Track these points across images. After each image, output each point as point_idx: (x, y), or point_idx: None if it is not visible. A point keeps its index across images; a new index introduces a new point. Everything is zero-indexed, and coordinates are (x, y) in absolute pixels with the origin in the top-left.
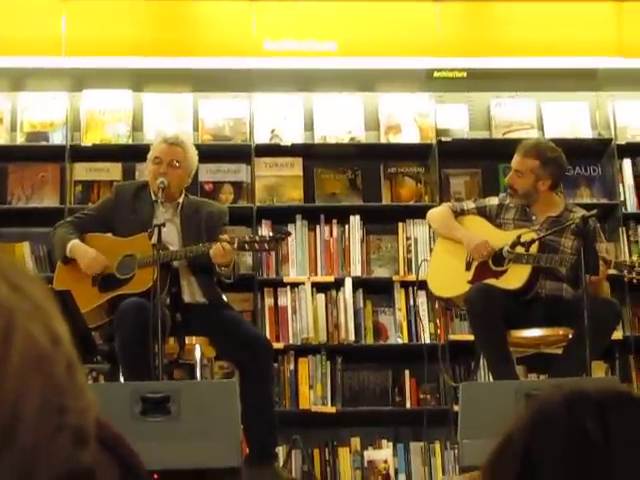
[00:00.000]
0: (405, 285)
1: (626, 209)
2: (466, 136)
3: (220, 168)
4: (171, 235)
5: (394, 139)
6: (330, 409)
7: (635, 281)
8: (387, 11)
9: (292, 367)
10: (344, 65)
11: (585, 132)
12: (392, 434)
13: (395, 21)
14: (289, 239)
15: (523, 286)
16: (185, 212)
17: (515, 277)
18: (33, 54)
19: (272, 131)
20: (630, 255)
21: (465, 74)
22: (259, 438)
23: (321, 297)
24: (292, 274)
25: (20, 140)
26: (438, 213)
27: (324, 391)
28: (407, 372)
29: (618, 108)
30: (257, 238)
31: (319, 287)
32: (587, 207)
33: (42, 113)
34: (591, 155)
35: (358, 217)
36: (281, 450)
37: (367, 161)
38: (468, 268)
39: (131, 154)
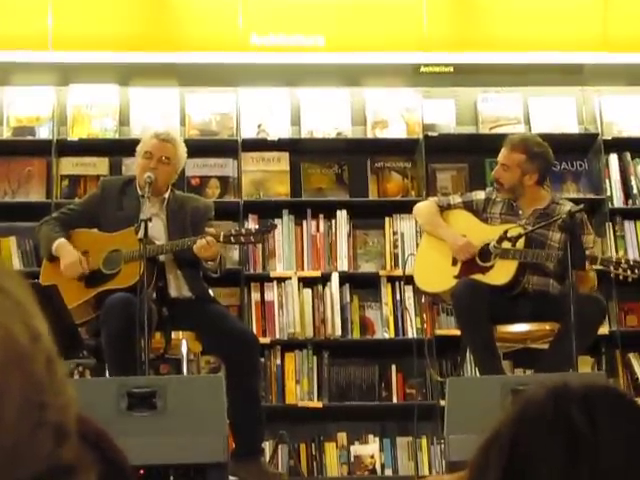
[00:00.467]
0: (392, 280)
1: (612, 204)
2: (453, 131)
3: (207, 163)
4: (157, 230)
5: (381, 134)
6: (317, 404)
7: (621, 277)
8: (374, 6)
9: (279, 362)
10: (331, 60)
11: (571, 127)
12: (379, 429)
13: (382, 16)
14: (276, 234)
15: (510, 281)
16: (171, 207)
17: (502, 272)
18: (19, 48)
19: (259, 126)
20: (616, 250)
21: (452, 69)
22: (245, 433)
23: (308, 292)
24: (279, 269)
25: (6, 134)
26: (424, 208)
27: (310, 386)
28: (394, 367)
29: (604, 103)
30: (243, 231)
31: (306, 282)
32: (574, 202)
33: (28, 107)
34: (577, 150)
35: (345, 212)
36: (267, 445)
37: (354, 156)
38: (454, 263)
39: (118, 149)
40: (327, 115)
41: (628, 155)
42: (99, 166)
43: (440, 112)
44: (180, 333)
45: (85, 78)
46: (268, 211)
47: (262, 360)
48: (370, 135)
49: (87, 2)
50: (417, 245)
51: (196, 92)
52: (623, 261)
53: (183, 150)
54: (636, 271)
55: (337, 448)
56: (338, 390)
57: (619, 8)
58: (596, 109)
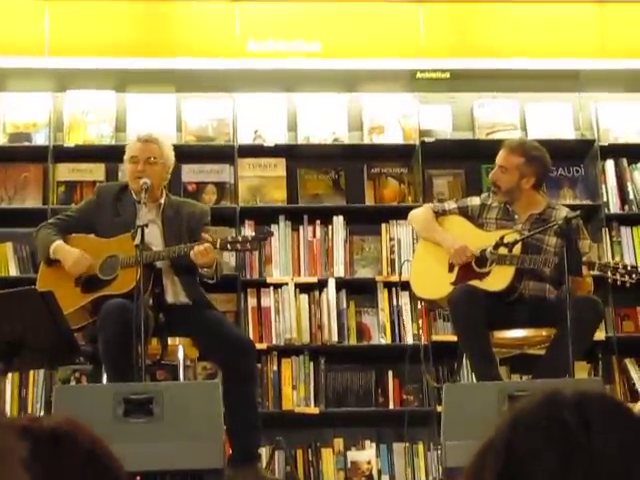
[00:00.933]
0: (388, 286)
1: (609, 210)
2: (449, 137)
3: (203, 169)
4: (154, 236)
5: (377, 140)
6: (313, 410)
7: (619, 282)
8: (371, 12)
9: (275, 368)
10: (327, 66)
11: (568, 133)
12: (375, 435)
13: (379, 22)
14: (272, 240)
15: (507, 287)
16: (167, 213)
17: (499, 278)
18: (16, 54)
19: (255, 132)
20: (613, 256)
21: (448, 75)
22: (242, 439)
23: (304, 298)
24: (275, 275)
25: (3, 141)
26: (419, 214)
27: (307, 392)
28: (390, 373)
29: (601, 109)
30: (239, 238)
31: (302, 288)
32: (570, 208)
33: (25, 114)
34: (574, 156)
35: (341, 218)
36: (264, 451)
37: (350, 162)
38: (451, 270)
39: (114, 155)
40: (324, 121)
41: (624, 161)
42: (95, 172)
43: (436, 118)
44: (177, 339)
45: (82, 84)
46: (265, 217)
47: (259, 366)
48: (367, 141)
49: (84, 8)
50: (414, 251)
51: (192, 98)
52: (620, 266)
53: (169, 148)
54: (633, 276)
55: (334, 454)
56: (335, 396)
57: (615, 15)
58: (592, 115)
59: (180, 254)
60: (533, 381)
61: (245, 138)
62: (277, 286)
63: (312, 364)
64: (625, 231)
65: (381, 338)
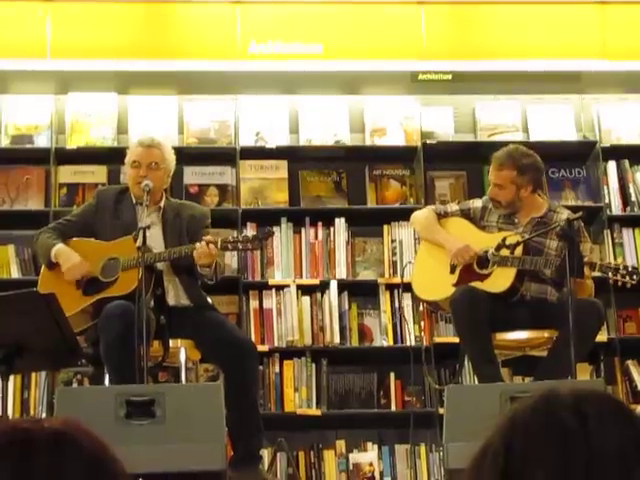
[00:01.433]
0: (390, 287)
1: (611, 211)
2: (451, 139)
3: (205, 171)
4: (154, 238)
5: (379, 141)
6: (315, 412)
7: (620, 283)
8: (373, 14)
9: (277, 370)
10: (329, 68)
11: (570, 135)
12: (377, 437)
13: (380, 24)
14: (274, 242)
15: (508, 289)
16: (167, 215)
17: (500, 280)
18: (18, 57)
19: (257, 134)
20: (615, 257)
21: (450, 77)
22: (244, 441)
23: (306, 300)
24: (277, 277)
25: (5, 143)
26: (421, 216)
27: (309, 394)
28: (392, 374)
29: (602, 111)
30: (240, 238)
31: (304, 290)
32: (572, 210)
33: (27, 116)
34: (576, 158)
35: (343, 219)
36: (266, 453)
37: (352, 163)
38: (452, 271)
39: (116, 157)
40: (325, 123)
41: (626, 162)
42: (97, 174)
43: (438, 120)
44: (179, 341)
45: (83, 86)
46: (266, 219)
47: (261, 368)
48: (369, 143)
49: (86, 11)
50: (415, 253)
51: (194, 100)
52: (621, 267)
53: (171, 153)
54: (634, 277)
55: (336, 456)
56: (337, 398)
57: (617, 16)
58: (594, 117)
59: (181, 255)
60: (535, 383)
61: (247, 140)
62: (279, 288)
63: (314, 366)
64: (627, 232)
65: (383, 340)
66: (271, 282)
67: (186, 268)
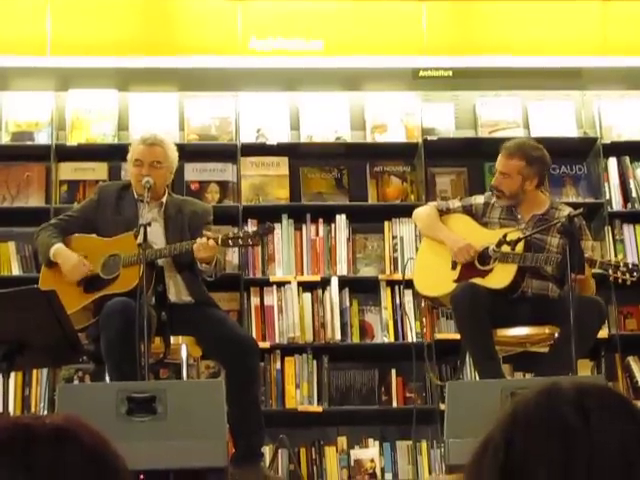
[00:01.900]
0: (391, 284)
1: (612, 208)
2: (452, 135)
3: (206, 167)
4: (156, 234)
5: (380, 138)
6: (316, 408)
7: (620, 280)
8: (373, 10)
9: (278, 366)
10: (330, 64)
11: (570, 131)
12: (378, 433)
13: (381, 20)
14: (275, 238)
15: (509, 285)
16: (169, 211)
17: (501, 276)
18: (18, 53)
19: (258, 130)
20: (615, 254)
21: (451, 73)
22: (245, 438)
23: (307, 296)
24: (278, 273)
25: (5, 140)
26: (423, 213)
27: (310, 390)
28: (393, 371)
29: (603, 107)
30: (240, 234)
31: (305, 286)
32: (573, 206)
33: (27, 113)
34: (577, 154)
35: (344, 216)
36: (267, 449)
37: (353, 160)
38: (454, 267)
39: (117, 154)
40: (326, 119)
41: (627, 159)
42: (98, 171)
43: (439, 116)
44: (180, 338)
45: (84, 83)
46: (267, 215)
47: (262, 365)
48: (369, 139)
49: (86, 7)
50: (416, 249)
51: (195, 96)
52: (622, 264)
53: (173, 150)
54: (635, 274)
55: (337, 452)
56: (338, 394)
57: (618, 12)
58: (595, 113)
59: (182, 251)
60: (536, 379)
61: (248, 137)
62: (280, 285)
63: (315, 362)
64: (628, 229)
65: (384, 336)
66: (272, 279)
67: (187, 264)
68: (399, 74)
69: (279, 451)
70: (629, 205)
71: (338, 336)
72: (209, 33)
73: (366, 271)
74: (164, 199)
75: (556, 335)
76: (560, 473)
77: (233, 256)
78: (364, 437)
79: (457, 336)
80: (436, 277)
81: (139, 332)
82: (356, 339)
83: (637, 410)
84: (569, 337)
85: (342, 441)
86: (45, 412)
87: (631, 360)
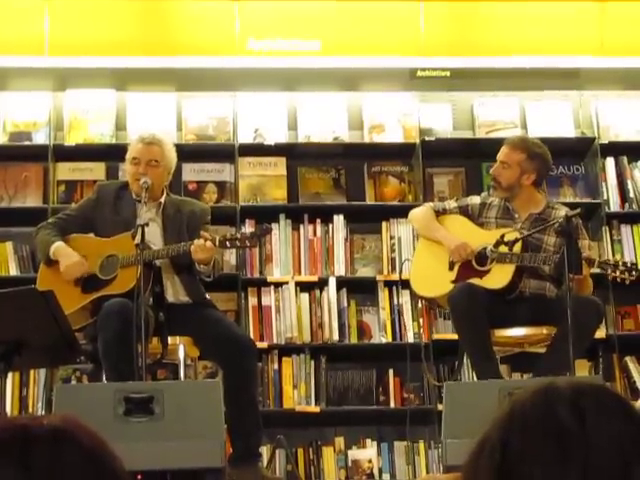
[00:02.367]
0: (389, 284)
1: (609, 208)
2: (449, 135)
3: (204, 168)
4: (154, 234)
5: (378, 138)
6: (314, 409)
7: (618, 280)
8: (371, 10)
9: (276, 367)
10: (328, 64)
11: (568, 131)
12: (376, 433)
13: (379, 20)
14: (273, 239)
15: (507, 285)
16: (167, 211)
17: (499, 276)
18: (16, 54)
19: (256, 130)
20: (613, 254)
21: (448, 73)
22: (243, 438)
23: (305, 296)
24: (276, 274)
25: (3, 140)
26: (419, 213)
27: (308, 391)
28: (391, 371)
29: (601, 107)
30: (238, 235)
31: (303, 286)
32: (570, 206)
33: (25, 113)
34: (574, 154)
35: (342, 216)
36: (265, 450)
37: (351, 160)
38: (451, 268)
39: (114, 154)
40: (324, 119)
41: (625, 159)
42: (96, 171)
43: (437, 116)
44: (177, 338)
45: (82, 83)
46: (265, 216)
47: (259, 365)
48: (367, 139)
49: (83, 7)
50: (414, 250)
51: (193, 97)
52: (620, 263)
53: (171, 150)
54: (633, 273)
55: (335, 452)
56: (335, 394)
57: (615, 12)
58: (593, 113)
59: (179, 252)
60: (534, 379)
61: (245, 137)
62: (278, 285)
63: (313, 363)
64: (625, 229)
65: (382, 337)
66: (270, 279)
67: (185, 265)
68: (397, 74)
69: (277, 451)
70: (627, 205)
71: (336, 336)
72: (207, 33)
73: (364, 271)
74: (162, 199)
75: (553, 335)
76: (556, 473)
77: (231, 256)
78: (362, 437)
79: (455, 336)
80: (433, 278)
81: (137, 332)
82: (354, 339)
83: (634, 410)
84: (566, 337)
85: (340, 441)
86: (43, 412)
87: (629, 360)
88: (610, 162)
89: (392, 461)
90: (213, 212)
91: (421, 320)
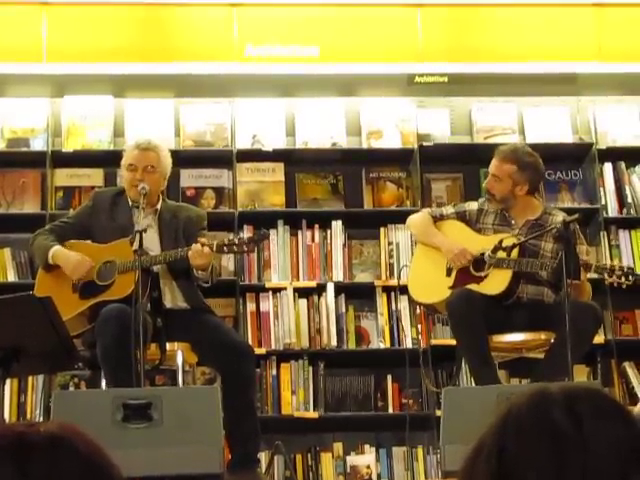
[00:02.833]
0: (387, 290)
1: (607, 213)
2: (447, 141)
3: (202, 174)
4: (151, 240)
5: (376, 144)
6: (312, 414)
7: (616, 284)
8: (369, 17)
9: (274, 372)
10: (326, 70)
11: (566, 137)
12: (374, 439)
13: (377, 26)
14: (271, 244)
15: (504, 291)
16: (163, 217)
17: (496, 282)
18: (14, 60)
19: (254, 136)
20: (611, 259)
21: (446, 79)
22: (241, 444)
23: (303, 302)
24: (274, 279)
25: (1, 146)
26: (417, 219)
27: (306, 396)
28: (389, 377)
29: (599, 113)
30: (236, 240)
31: (301, 292)
32: (568, 212)
33: (23, 119)
34: (572, 160)
35: (340, 222)
36: (263, 456)
37: (349, 166)
38: (449, 274)
39: (112, 160)
40: (322, 125)
41: (622, 164)
42: (94, 177)
43: (435, 122)
44: (175, 344)
45: (79, 89)
46: (263, 221)
47: (258, 371)
48: (365, 145)
49: (81, 14)
50: (412, 255)
51: (191, 103)
52: (617, 268)
53: (167, 156)
54: (630, 277)
55: (333, 458)
56: (334, 400)
57: (612, 18)
58: (590, 119)
59: (177, 258)
60: (532, 385)
61: (243, 143)
62: (276, 291)
63: (311, 368)
64: (623, 234)
65: (380, 342)
66: (268, 285)
67: (183, 271)
68: (395, 80)
69: (275, 457)
70: (624, 211)
71: (334, 342)
72: (205, 39)
73: (362, 277)
74: (159, 205)
75: (552, 341)
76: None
77: (229, 262)
78: (360, 443)
79: (453, 342)
80: (431, 284)
81: (135, 338)
82: (352, 345)
83: (630, 415)
84: (565, 342)
85: (338, 447)
86: (41, 419)
87: (627, 366)
88: (608, 167)
89: (391, 467)
90: (211, 218)
91: (419, 326)
